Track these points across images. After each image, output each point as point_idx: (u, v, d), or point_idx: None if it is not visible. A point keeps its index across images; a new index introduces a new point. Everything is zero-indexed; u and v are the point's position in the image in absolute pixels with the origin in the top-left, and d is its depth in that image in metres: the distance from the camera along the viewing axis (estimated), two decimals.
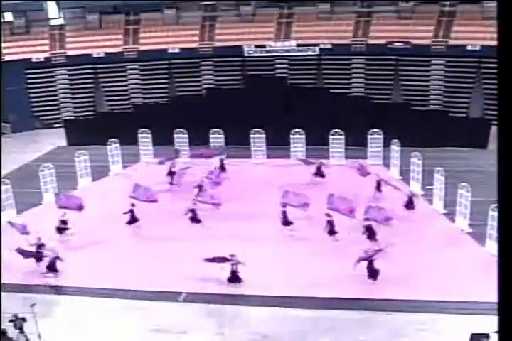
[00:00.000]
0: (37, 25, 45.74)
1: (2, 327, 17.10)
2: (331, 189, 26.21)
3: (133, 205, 25.53)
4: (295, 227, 24.38)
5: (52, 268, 21.60)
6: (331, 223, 23.39)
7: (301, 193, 25.17)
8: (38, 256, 21.93)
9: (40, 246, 22.09)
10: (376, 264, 20.19)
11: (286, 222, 24.51)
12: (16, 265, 21.60)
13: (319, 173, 30.08)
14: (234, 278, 20.44)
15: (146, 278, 21.00)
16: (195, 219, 25.11)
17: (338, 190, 25.43)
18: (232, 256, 20.25)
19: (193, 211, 25.13)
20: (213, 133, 34.12)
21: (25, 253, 21.86)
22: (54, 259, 21.59)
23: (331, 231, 23.40)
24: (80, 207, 25.72)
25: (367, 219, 23.13)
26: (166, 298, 20.17)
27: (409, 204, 25.90)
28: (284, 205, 24.72)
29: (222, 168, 31.12)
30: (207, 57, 44.46)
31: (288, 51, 43.43)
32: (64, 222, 24.89)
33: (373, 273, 20.21)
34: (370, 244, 21.81)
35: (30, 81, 43.71)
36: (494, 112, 33.47)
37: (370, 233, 22.78)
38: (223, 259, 20.19)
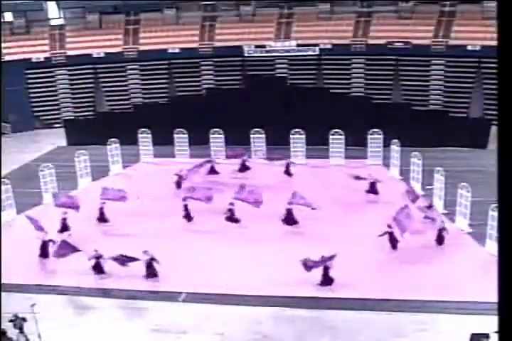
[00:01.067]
0: (37, 25, 45.70)
1: (2, 327, 17.12)
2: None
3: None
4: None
5: (152, 272, 21.17)
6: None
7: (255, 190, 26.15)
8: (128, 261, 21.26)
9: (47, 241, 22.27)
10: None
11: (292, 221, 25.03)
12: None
13: (287, 172, 31.00)
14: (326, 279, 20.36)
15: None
16: (232, 219, 25.20)
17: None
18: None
19: (230, 210, 25.22)
20: (213, 133, 34.11)
21: (123, 259, 21.36)
22: (150, 262, 21.27)
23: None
24: (77, 207, 25.94)
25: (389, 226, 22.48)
26: (166, 298, 20.19)
27: (440, 239, 23.02)
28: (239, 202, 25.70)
29: (245, 168, 31.83)
30: (207, 57, 44.44)
31: (288, 51, 43.41)
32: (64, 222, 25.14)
33: (327, 281, 20.22)
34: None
35: (30, 81, 43.68)
36: (494, 112, 33.47)
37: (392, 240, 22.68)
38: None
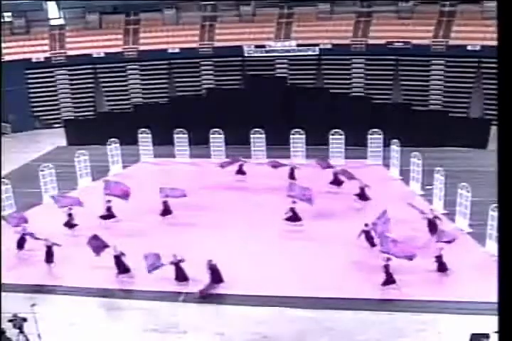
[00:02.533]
0: (37, 25, 45.68)
1: (2, 327, 17.12)
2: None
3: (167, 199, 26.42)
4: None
5: (182, 276, 20.90)
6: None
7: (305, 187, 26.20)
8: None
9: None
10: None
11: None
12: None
13: (241, 171, 31.01)
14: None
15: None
16: (294, 218, 25.01)
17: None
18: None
19: (292, 210, 25.06)
20: (213, 133, 34.10)
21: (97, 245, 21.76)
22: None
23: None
24: (127, 195, 26.73)
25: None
26: (166, 297, 20.18)
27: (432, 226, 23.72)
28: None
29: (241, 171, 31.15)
30: (207, 57, 44.44)
31: (288, 51, 43.40)
32: (70, 216, 25.45)
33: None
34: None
35: (30, 81, 43.68)
36: (494, 112, 33.46)
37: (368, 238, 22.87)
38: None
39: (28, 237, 23.33)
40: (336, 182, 28.91)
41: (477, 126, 35.55)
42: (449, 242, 21.42)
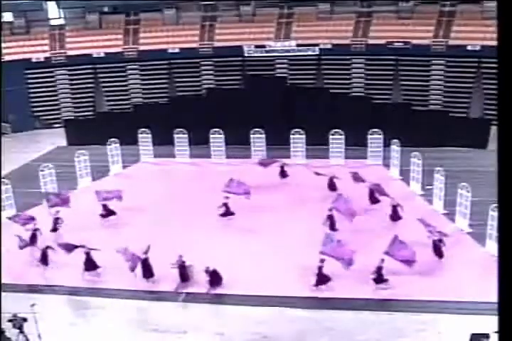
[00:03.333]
0: (37, 25, 45.65)
1: (2, 327, 17.12)
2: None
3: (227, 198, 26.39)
4: None
5: (216, 280, 20.66)
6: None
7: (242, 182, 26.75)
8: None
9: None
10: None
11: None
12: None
13: (283, 173, 30.54)
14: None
15: None
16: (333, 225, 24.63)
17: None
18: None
19: (330, 217, 24.74)
20: (213, 133, 34.09)
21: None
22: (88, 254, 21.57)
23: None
24: (119, 197, 26.80)
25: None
26: (166, 298, 20.19)
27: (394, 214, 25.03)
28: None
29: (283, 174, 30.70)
30: (207, 57, 44.41)
31: (288, 51, 43.37)
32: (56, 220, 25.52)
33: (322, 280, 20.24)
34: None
35: (30, 81, 43.65)
36: (494, 112, 33.45)
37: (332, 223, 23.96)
38: None
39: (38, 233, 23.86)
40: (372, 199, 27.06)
41: (477, 126, 35.53)
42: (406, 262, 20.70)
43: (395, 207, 25.18)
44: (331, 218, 24.48)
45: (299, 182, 29.78)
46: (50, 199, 26.98)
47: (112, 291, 20.74)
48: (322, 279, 20.11)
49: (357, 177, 28.00)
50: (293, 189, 29.12)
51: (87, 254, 21.55)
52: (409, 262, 20.43)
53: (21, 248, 22.89)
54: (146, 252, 21.00)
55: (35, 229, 24.00)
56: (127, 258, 20.89)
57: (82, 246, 21.79)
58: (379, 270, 20.04)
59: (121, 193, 27.07)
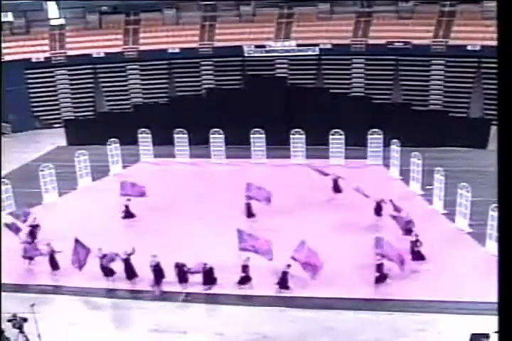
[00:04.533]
0: (37, 25, 45.69)
1: (2, 327, 17.12)
2: None
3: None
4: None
5: (245, 280, 20.44)
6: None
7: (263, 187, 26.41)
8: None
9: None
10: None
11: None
12: None
13: (336, 188, 28.20)
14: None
15: None
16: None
17: None
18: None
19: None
20: (213, 133, 34.10)
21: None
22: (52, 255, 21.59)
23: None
24: (142, 194, 27.08)
25: None
26: (166, 298, 20.19)
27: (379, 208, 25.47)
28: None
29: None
30: (207, 57, 44.44)
31: (288, 51, 43.39)
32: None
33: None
34: None
35: (30, 81, 43.67)
36: (494, 112, 33.46)
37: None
38: None
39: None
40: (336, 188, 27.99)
41: (477, 126, 35.55)
42: None
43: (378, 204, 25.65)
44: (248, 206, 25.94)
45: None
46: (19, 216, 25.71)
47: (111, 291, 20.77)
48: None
49: (321, 172, 28.76)
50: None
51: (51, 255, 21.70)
52: (313, 268, 19.95)
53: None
54: (130, 254, 20.85)
55: (35, 226, 23.93)
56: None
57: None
58: (284, 275, 19.89)
59: (145, 189, 27.22)
